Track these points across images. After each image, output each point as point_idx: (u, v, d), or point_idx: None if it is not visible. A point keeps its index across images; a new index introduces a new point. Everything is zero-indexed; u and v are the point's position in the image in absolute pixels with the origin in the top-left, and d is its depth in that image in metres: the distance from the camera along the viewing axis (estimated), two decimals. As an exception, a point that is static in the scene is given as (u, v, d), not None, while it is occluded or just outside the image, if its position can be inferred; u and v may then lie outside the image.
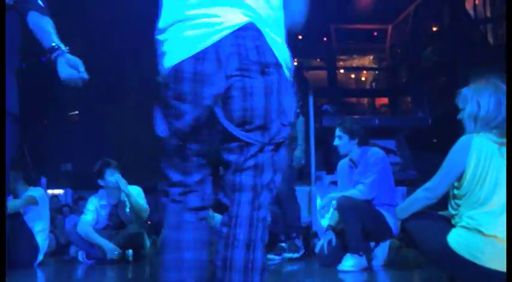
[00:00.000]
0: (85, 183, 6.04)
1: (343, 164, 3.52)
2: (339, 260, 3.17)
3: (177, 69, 1.23)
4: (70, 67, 1.65)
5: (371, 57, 10.82)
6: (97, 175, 3.84)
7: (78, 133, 7.55)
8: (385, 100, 9.03)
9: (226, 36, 1.20)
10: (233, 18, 1.21)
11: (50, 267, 3.79)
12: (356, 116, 6.36)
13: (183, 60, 1.22)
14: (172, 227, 1.30)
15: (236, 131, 1.22)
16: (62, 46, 1.68)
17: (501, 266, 1.87)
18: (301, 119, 3.70)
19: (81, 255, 3.79)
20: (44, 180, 6.88)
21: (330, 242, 3.33)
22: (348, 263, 3.07)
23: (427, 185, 2.09)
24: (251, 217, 1.24)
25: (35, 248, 3.49)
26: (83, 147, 6.98)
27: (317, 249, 3.40)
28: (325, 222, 3.44)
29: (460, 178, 2.01)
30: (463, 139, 2.04)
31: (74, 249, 4.13)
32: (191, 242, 1.28)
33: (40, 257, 3.55)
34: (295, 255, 3.83)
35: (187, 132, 1.25)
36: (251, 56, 1.20)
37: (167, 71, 1.25)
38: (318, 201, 4.57)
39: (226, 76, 1.20)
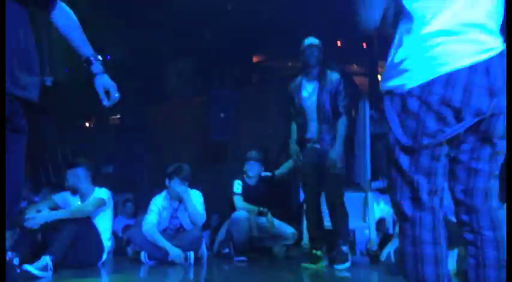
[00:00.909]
0: (126, 185, 6.14)
1: None
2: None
3: (451, 76, 1.33)
4: (104, 91, 1.71)
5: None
6: (168, 176, 3.88)
7: (119, 136, 7.66)
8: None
9: (494, 56, 1.35)
10: (495, 43, 1.38)
11: (114, 267, 3.84)
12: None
13: (458, 69, 1.33)
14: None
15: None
16: (98, 58, 1.73)
17: None
18: (343, 119, 3.51)
19: (143, 256, 3.83)
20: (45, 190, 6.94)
21: (396, 249, 3.29)
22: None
23: None
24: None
25: (101, 248, 3.54)
26: (123, 149, 7.04)
27: (383, 257, 3.36)
28: (396, 228, 3.39)
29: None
30: None
31: (131, 249, 4.19)
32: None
33: (104, 257, 3.60)
34: (343, 266, 3.41)
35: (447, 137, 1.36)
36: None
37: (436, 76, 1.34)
38: (376, 208, 4.52)
39: (492, 93, 1.34)
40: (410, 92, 1.35)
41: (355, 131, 4.76)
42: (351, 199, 4.57)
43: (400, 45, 1.40)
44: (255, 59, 7.88)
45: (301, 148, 3.59)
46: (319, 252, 3.49)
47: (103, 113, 7.69)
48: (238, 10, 6.13)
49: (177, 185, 3.83)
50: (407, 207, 1.41)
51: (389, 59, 1.43)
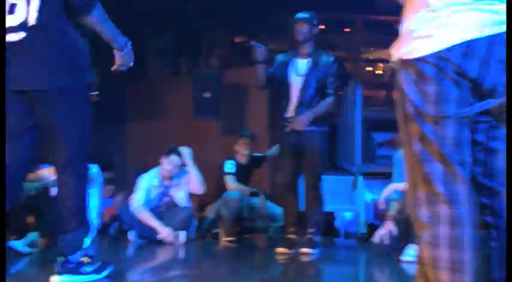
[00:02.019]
0: (104, 165, 5.97)
1: (399, 154, 3.51)
2: (400, 250, 3.18)
3: (468, 45, 1.25)
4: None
5: (388, 50, 10.76)
6: (166, 153, 3.81)
7: (98, 115, 7.39)
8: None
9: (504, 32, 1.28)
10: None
11: (101, 246, 3.74)
12: (375, 108, 6.36)
13: (476, 39, 1.25)
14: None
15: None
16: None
17: None
18: (329, 98, 3.35)
19: (133, 235, 3.74)
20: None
21: (390, 232, 3.34)
22: (412, 252, 3.07)
23: None
24: None
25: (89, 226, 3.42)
26: (101, 130, 6.80)
27: (376, 239, 3.39)
28: (390, 210, 3.42)
29: None
30: None
31: (113, 228, 4.09)
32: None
33: (92, 235, 3.48)
34: (312, 251, 3.30)
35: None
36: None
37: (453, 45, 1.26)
38: (368, 195, 4.56)
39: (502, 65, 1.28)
40: (425, 59, 1.28)
41: (343, 115, 4.78)
42: (337, 182, 4.60)
43: (411, 11, 1.35)
44: (237, 39, 7.77)
45: (282, 128, 3.41)
46: (291, 236, 3.39)
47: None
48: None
49: (176, 155, 3.77)
50: (440, 183, 1.29)
51: (402, 27, 1.36)
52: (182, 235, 3.72)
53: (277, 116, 3.48)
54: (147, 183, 3.82)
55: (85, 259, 2.11)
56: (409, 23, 1.34)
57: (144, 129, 6.34)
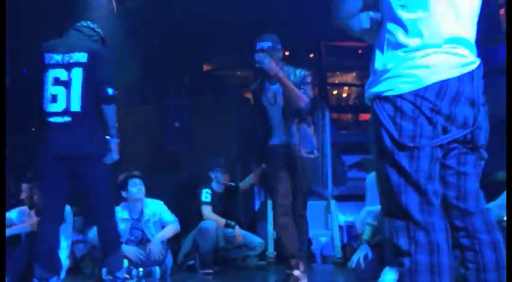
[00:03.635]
0: (73, 198, 5.81)
1: (372, 177, 3.57)
2: (376, 274, 3.20)
3: (442, 85, 1.35)
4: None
5: (354, 74, 11.04)
6: (120, 187, 3.72)
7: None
8: (367, 116, 9.26)
9: (476, 69, 1.41)
10: (475, 57, 1.47)
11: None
12: (343, 131, 6.48)
13: (448, 79, 1.36)
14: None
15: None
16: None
17: None
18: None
19: (104, 272, 3.62)
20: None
21: (366, 256, 3.36)
22: (389, 276, 3.09)
23: (498, 201, 2.16)
24: None
25: (59, 267, 3.31)
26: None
27: (353, 264, 3.41)
28: (365, 234, 3.46)
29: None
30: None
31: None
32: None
33: (62, 275, 3.36)
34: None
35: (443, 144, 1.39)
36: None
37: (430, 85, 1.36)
38: (341, 217, 4.60)
39: (473, 104, 1.39)
40: (402, 96, 1.37)
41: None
42: (311, 207, 4.62)
43: (386, 51, 1.43)
44: (205, 68, 7.83)
45: (269, 155, 3.25)
46: (295, 272, 3.05)
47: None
48: (187, 18, 6.08)
49: (132, 186, 3.75)
50: (417, 212, 1.35)
51: (376, 66, 1.45)
52: (158, 270, 3.63)
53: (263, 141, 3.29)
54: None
55: (127, 276, 2.99)
56: (385, 62, 1.41)
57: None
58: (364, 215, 3.40)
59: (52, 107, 2.74)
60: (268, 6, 5.41)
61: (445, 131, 1.38)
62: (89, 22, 3.01)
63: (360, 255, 3.37)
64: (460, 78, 1.38)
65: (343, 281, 3.47)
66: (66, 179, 2.74)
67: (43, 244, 2.74)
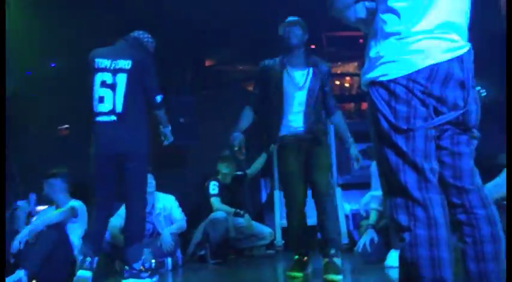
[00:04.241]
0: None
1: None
2: (383, 257, 3.29)
3: (432, 69, 1.41)
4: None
5: (355, 64, 11.06)
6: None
7: (68, 147, 7.35)
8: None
9: (465, 53, 1.48)
10: (465, 41, 1.54)
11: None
12: (347, 121, 6.51)
13: (439, 63, 1.42)
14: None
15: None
16: None
17: None
18: (339, 112, 3.22)
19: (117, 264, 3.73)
20: (33, 196, 6.66)
21: (372, 240, 3.45)
22: (394, 259, 3.17)
23: (498, 181, 2.21)
24: None
25: (73, 263, 3.41)
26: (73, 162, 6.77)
27: (359, 248, 3.49)
28: (370, 219, 3.54)
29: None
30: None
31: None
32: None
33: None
34: (338, 277, 2.88)
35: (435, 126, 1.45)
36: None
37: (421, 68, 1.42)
38: (346, 206, 4.66)
39: (464, 87, 1.46)
40: (395, 81, 1.44)
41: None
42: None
43: (380, 39, 1.50)
44: (207, 63, 7.89)
45: (282, 143, 3.11)
46: (305, 258, 3.09)
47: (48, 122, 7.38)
48: (188, 14, 6.13)
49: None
50: (415, 190, 1.42)
51: (370, 53, 1.52)
52: (169, 262, 3.73)
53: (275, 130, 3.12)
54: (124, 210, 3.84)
55: (142, 268, 3.06)
56: (379, 49, 1.49)
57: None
58: (368, 200, 3.49)
59: (100, 107, 3.03)
60: (269, 3, 5.45)
61: (436, 112, 1.46)
62: (139, 32, 3.29)
63: (366, 240, 3.46)
64: (449, 62, 1.45)
65: (350, 266, 3.55)
66: (114, 174, 3.01)
67: (93, 228, 3.06)
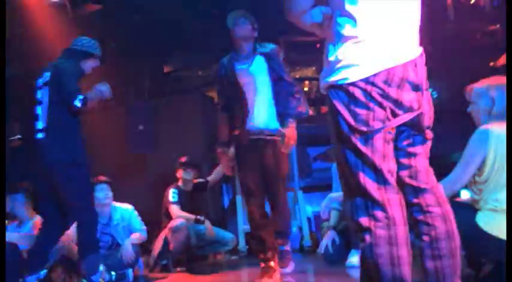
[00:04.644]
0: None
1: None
2: (344, 257, 3.34)
3: (389, 72, 1.45)
4: None
5: (313, 68, 11.22)
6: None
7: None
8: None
9: (418, 57, 1.53)
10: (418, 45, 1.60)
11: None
12: (307, 124, 6.62)
13: (395, 67, 1.47)
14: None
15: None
16: None
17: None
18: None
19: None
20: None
21: (333, 241, 3.49)
22: (355, 258, 3.23)
23: (450, 177, 2.29)
24: None
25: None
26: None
27: (321, 250, 3.53)
28: (331, 221, 3.58)
29: (480, 166, 2.25)
30: (480, 131, 2.28)
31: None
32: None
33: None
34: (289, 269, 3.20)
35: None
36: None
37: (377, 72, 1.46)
38: (308, 208, 4.71)
39: (417, 89, 1.51)
40: (354, 84, 1.47)
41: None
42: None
43: (338, 43, 1.53)
44: (166, 69, 7.80)
45: (239, 143, 3.04)
46: (272, 263, 3.03)
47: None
48: (144, 19, 6.06)
49: (99, 191, 3.72)
50: (374, 190, 1.45)
51: (329, 57, 1.55)
52: (130, 274, 3.64)
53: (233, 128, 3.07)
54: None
55: (101, 280, 3.00)
56: (337, 53, 1.51)
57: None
58: (328, 201, 3.53)
59: (36, 125, 3.06)
60: (225, 6, 5.46)
61: (393, 114, 1.50)
62: (77, 38, 3.21)
63: (327, 241, 3.50)
64: (404, 66, 1.49)
65: (314, 267, 3.58)
66: (52, 188, 3.00)
67: (39, 240, 3.08)
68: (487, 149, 2.23)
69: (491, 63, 5.62)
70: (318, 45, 9.99)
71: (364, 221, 1.45)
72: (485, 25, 5.73)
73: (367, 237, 1.43)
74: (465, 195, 2.45)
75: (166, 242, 4.05)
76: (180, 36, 6.27)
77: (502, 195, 2.21)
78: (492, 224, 2.19)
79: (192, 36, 6.22)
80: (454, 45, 5.50)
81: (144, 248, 4.10)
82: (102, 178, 3.80)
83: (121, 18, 5.94)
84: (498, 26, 5.58)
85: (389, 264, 1.41)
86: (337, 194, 3.48)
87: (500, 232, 2.16)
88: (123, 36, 6.24)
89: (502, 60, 5.42)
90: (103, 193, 3.75)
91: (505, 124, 2.27)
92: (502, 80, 2.35)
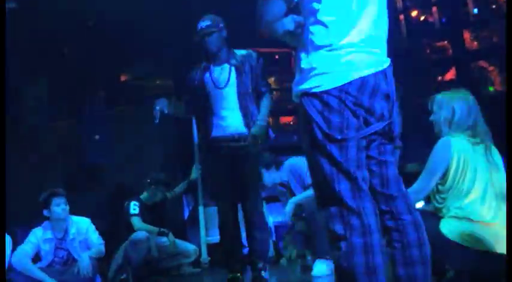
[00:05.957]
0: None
1: (289, 164, 3.71)
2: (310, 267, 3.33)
3: (363, 80, 1.46)
4: None
5: (272, 79, 11.28)
6: (43, 205, 3.54)
7: None
8: (290, 119, 9.58)
9: (388, 67, 1.56)
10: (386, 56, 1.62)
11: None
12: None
13: (367, 76, 1.48)
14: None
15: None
16: None
17: (487, 247, 2.19)
18: (267, 95, 3.07)
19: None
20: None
21: (298, 251, 3.49)
22: (320, 267, 3.22)
23: (415, 187, 2.33)
24: None
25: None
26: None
27: (284, 262, 3.51)
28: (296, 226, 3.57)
29: (443, 175, 2.31)
30: (443, 140, 2.35)
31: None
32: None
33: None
34: None
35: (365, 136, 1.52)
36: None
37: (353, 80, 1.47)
38: (269, 219, 4.68)
39: (388, 98, 1.53)
40: (328, 92, 1.48)
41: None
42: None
43: (311, 51, 1.53)
44: (122, 78, 7.62)
45: (209, 150, 3.00)
46: (238, 275, 2.97)
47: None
48: (100, 27, 5.90)
49: (56, 205, 3.55)
50: (349, 199, 1.45)
51: (302, 65, 1.55)
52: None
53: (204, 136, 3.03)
54: (36, 237, 3.58)
55: None
56: (311, 61, 1.51)
57: (32, 179, 5.86)
58: (292, 207, 3.52)
59: None
60: (186, 16, 5.41)
61: (366, 123, 1.51)
62: None
63: (292, 251, 3.49)
64: (376, 75, 1.52)
65: (277, 278, 3.56)
66: None
67: None
68: (450, 158, 2.29)
69: (439, 78, 5.87)
70: (277, 57, 10.13)
71: (340, 229, 1.44)
72: (434, 41, 5.99)
73: (343, 246, 1.43)
74: (419, 204, 2.50)
75: (125, 256, 3.91)
76: (137, 44, 6.15)
77: (464, 203, 2.27)
78: (455, 231, 2.24)
79: (150, 45, 6.12)
80: (405, 60, 5.71)
81: (103, 262, 3.93)
82: (60, 191, 3.62)
83: (75, 24, 5.76)
84: (446, 42, 5.85)
85: (365, 273, 1.41)
86: (295, 198, 3.50)
87: (463, 239, 2.21)
88: (77, 42, 6.05)
89: (450, 75, 5.70)
90: (60, 207, 3.59)
91: (465, 133, 2.34)
92: (462, 91, 2.44)
